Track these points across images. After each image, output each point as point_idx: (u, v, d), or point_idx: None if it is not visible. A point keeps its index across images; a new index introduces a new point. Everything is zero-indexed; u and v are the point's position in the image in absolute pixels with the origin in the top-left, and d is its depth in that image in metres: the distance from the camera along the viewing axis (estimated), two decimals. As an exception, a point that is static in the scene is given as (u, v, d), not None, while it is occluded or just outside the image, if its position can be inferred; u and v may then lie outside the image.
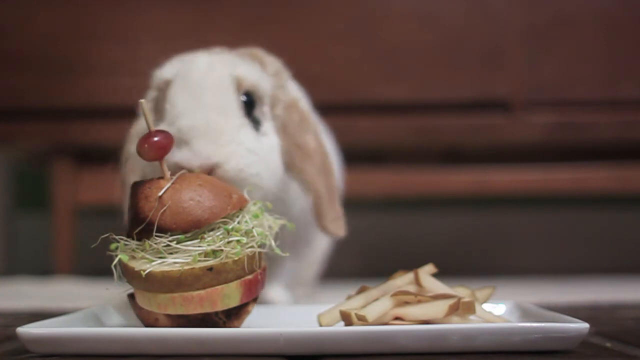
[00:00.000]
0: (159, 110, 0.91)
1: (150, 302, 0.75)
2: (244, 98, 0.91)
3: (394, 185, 1.81)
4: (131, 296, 0.79)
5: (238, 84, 0.90)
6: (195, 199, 0.76)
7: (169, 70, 0.92)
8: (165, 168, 0.79)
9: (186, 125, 0.86)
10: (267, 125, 0.93)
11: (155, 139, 0.78)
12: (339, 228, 0.97)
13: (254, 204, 0.82)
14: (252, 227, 0.78)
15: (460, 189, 1.82)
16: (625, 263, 2.15)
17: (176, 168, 0.83)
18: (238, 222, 0.78)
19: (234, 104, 0.89)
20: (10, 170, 2.24)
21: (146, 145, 0.77)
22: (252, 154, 0.88)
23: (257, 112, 0.93)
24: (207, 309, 0.74)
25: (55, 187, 1.85)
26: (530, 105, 1.77)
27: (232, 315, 0.77)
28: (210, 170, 0.85)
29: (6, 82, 1.77)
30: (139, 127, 0.97)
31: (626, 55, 1.78)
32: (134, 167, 0.94)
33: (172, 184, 0.77)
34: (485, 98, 1.76)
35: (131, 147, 0.94)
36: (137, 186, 0.78)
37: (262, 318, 0.86)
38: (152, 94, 0.94)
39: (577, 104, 1.77)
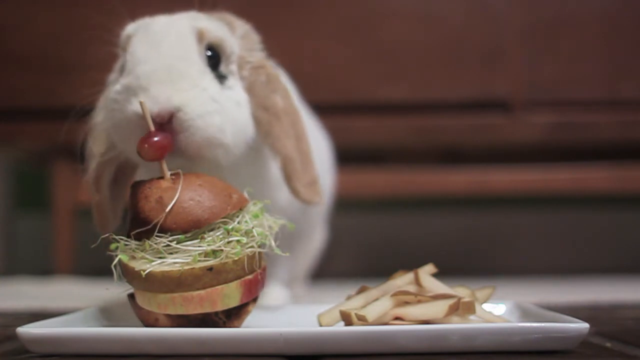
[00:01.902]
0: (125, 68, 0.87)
1: (150, 302, 0.75)
2: (208, 53, 0.87)
3: (394, 185, 1.81)
4: (131, 296, 0.79)
5: (200, 35, 0.87)
6: (195, 199, 0.76)
7: (131, 27, 0.89)
8: (165, 168, 0.78)
9: (144, 71, 0.82)
10: (234, 82, 0.89)
11: (155, 139, 0.78)
12: (314, 193, 0.91)
13: (254, 204, 0.82)
14: (252, 227, 0.78)
15: (460, 189, 1.82)
16: (625, 263, 2.15)
17: (135, 117, 0.81)
18: (238, 222, 0.77)
19: (194, 52, 0.85)
20: (10, 170, 2.24)
21: (146, 145, 0.77)
22: (215, 102, 0.84)
23: (222, 68, 0.88)
24: (207, 309, 0.74)
25: (55, 187, 1.85)
26: (530, 105, 1.77)
27: (232, 315, 0.77)
28: (169, 117, 0.81)
29: (6, 82, 1.77)
30: (104, 100, 0.92)
31: (626, 55, 1.78)
32: (100, 137, 0.91)
33: (172, 184, 0.77)
34: (485, 98, 1.76)
35: (98, 117, 0.91)
36: (137, 186, 0.78)
37: (262, 318, 0.86)
38: (121, 57, 0.91)
39: (577, 104, 1.77)
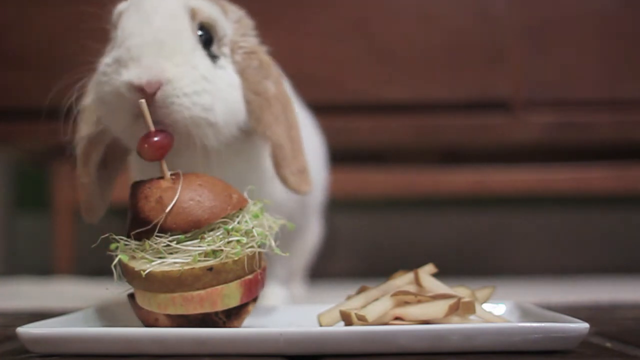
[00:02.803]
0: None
1: (150, 302, 0.75)
2: (200, 32, 0.86)
3: (394, 185, 1.81)
4: (131, 296, 0.79)
5: (192, 14, 0.85)
6: (195, 199, 0.76)
7: (123, 4, 0.88)
8: (165, 168, 0.78)
9: (135, 43, 0.80)
10: (226, 63, 0.88)
11: (155, 139, 0.78)
12: (303, 182, 0.89)
13: (254, 203, 0.82)
14: (252, 227, 0.78)
15: (460, 189, 1.82)
16: (625, 263, 2.15)
17: (124, 88, 0.79)
18: (238, 222, 0.77)
19: (187, 29, 0.84)
20: (10, 170, 2.24)
21: (146, 145, 0.77)
22: (206, 81, 0.82)
23: (214, 49, 0.87)
24: (207, 309, 0.74)
25: (55, 187, 1.85)
26: (530, 105, 1.77)
27: (232, 315, 0.77)
28: (157, 88, 0.79)
29: (6, 82, 1.77)
30: (95, 81, 0.89)
31: (626, 55, 1.78)
32: (89, 119, 0.90)
33: (172, 184, 0.77)
34: (485, 98, 1.76)
35: (87, 100, 0.90)
36: (137, 186, 0.78)
37: (262, 318, 0.86)
38: (113, 35, 0.89)
39: (577, 104, 1.77)
